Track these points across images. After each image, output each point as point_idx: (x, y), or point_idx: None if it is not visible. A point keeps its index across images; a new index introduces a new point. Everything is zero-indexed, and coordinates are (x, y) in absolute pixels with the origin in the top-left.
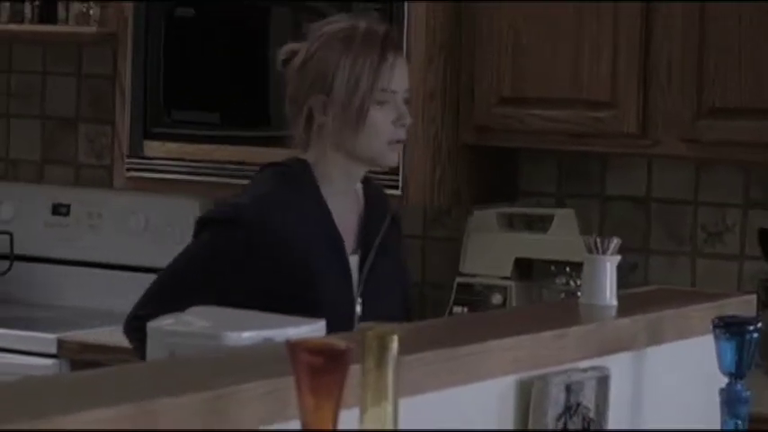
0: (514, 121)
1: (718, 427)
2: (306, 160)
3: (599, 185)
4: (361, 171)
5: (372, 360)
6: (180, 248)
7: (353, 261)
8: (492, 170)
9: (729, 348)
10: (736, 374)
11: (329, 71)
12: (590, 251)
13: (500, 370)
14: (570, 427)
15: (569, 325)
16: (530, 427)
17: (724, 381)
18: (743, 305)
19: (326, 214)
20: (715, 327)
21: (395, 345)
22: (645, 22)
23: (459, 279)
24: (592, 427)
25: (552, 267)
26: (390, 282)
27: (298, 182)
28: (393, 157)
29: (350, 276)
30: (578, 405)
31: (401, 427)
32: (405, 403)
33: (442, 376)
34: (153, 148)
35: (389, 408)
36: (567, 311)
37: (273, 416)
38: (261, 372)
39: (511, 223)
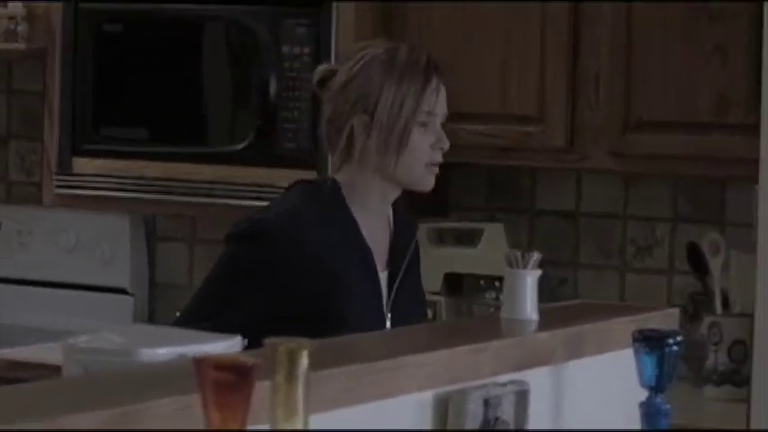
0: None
1: None
2: (337, 180)
3: (528, 200)
4: (395, 193)
5: (282, 375)
6: (110, 265)
7: (383, 278)
8: None
9: (649, 362)
10: (657, 388)
11: (373, 92)
12: (510, 265)
13: (416, 385)
14: None
15: (488, 339)
16: None
17: (645, 394)
18: (666, 319)
19: (356, 231)
20: (635, 340)
21: (305, 360)
22: (572, 37)
23: None
24: None
25: (481, 282)
26: (413, 300)
27: (327, 200)
28: (430, 180)
29: (380, 292)
30: (497, 419)
31: None
32: (320, 419)
33: (359, 391)
34: (82, 164)
35: (300, 424)
36: (487, 326)
37: None
38: (172, 388)
39: (441, 238)
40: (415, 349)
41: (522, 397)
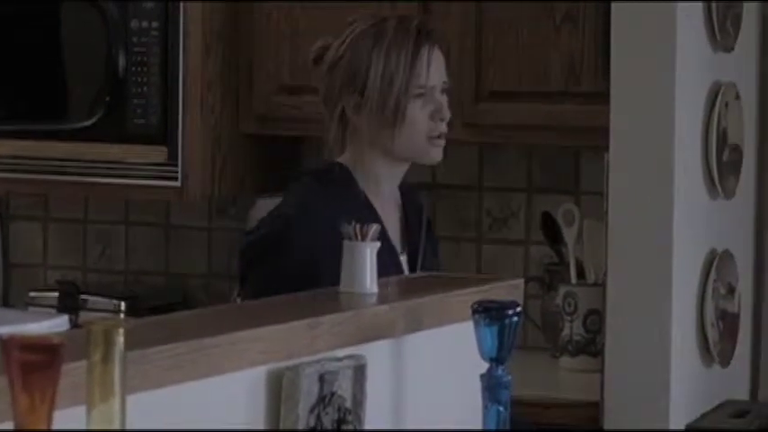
0: (293, 110)
1: (480, 413)
2: (343, 163)
3: None
4: (403, 169)
5: (98, 355)
6: None
7: (403, 262)
8: (276, 159)
9: (489, 333)
10: (498, 359)
11: (361, 69)
12: (349, 238)
13: (248, 361)
14: (324, 417)
15: (324, 313)
16: (281, 419)
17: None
18: (510, 290)
19: (375, 216)
20: (474, 312)
21: (121, 339)
22: (421, 8)
23: None
24: (348, 417)
25: None
26: None
27: (342, 186)
28: (437, 153)
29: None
30: (333, 395)
31: (144, 421)
32: (147, 397)
33: (187, 369)
34: None
35: (117, 405)
36: (325, 300)
37: None
38: None
39: None
40: (247, 324)
41: (359, 372)
